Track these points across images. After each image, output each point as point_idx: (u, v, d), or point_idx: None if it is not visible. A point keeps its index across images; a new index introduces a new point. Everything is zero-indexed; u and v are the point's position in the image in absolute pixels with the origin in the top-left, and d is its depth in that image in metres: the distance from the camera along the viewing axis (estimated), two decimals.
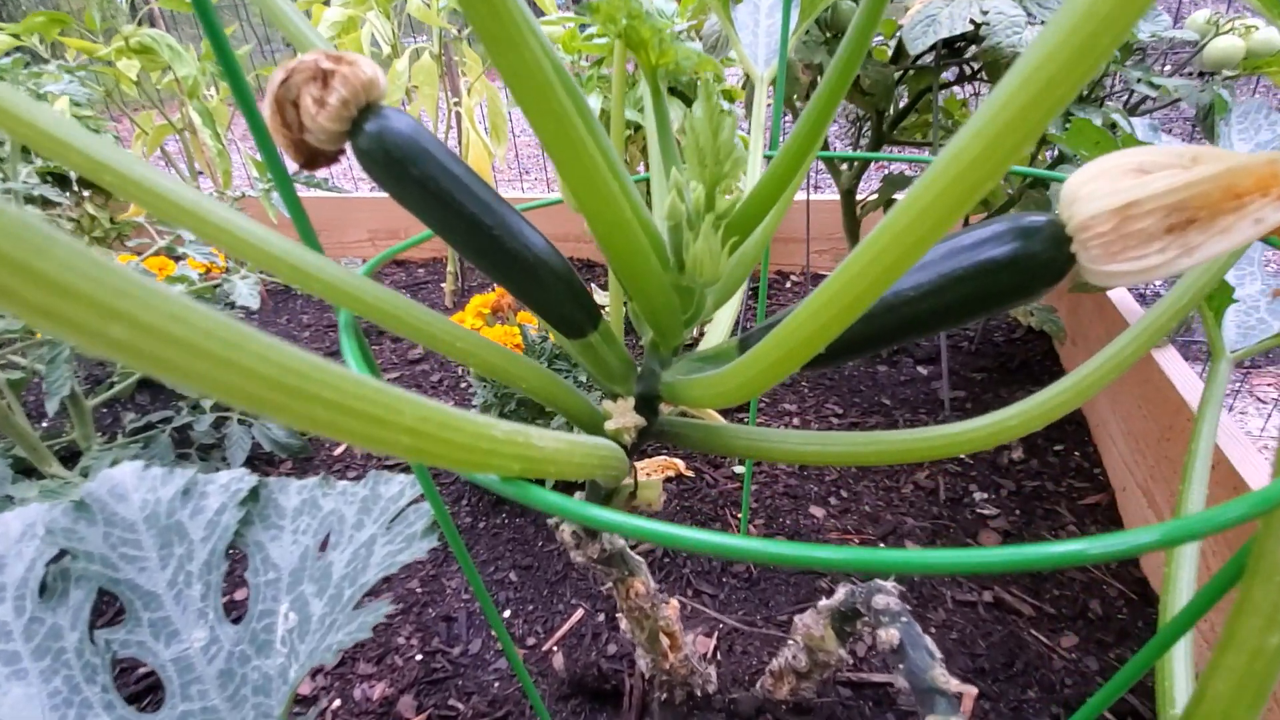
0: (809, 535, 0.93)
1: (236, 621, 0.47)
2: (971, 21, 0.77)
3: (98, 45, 1.66)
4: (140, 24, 1.66)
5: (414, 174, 0.32)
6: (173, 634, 0.47)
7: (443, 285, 1.88)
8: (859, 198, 1.28)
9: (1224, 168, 0.26)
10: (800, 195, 1.73)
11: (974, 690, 0.69)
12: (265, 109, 0.33)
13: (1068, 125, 0.71)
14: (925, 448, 0.36)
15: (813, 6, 0.64)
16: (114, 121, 2.29)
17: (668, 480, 1.05)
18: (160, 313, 0.11)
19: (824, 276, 0.26)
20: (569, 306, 0.37)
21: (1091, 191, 0.27)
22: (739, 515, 0.96)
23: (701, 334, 0.81)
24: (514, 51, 0.23)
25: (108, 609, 0.90)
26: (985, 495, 0.99)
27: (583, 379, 1.00)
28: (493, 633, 0.82)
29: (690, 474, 1.07)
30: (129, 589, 0.47)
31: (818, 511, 0.97)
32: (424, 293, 1.93)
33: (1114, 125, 0.79)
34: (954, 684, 0.46)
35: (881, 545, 0.91)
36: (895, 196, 1.23)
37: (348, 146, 0.33)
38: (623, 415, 0.39)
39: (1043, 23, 0.82)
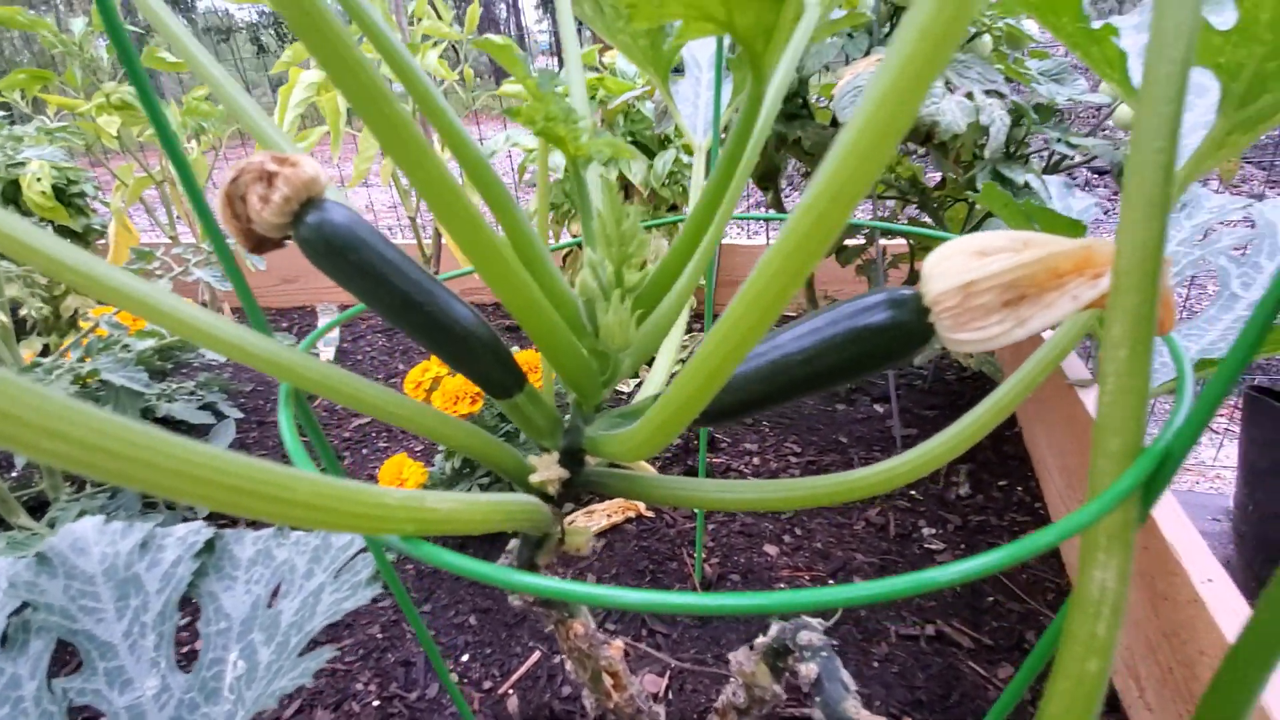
0: (761, 573, 0.96)
1: (188, 670, 0.50)
2: None
3: (79, 101, 1.71)
4: (121, 81, 1.72)
5: (351, 260, 0.37)
6: (126, 682, 0.49)
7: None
8: None
9: (1047, 253, 0.31)
10: (757, 240, 1.80)
11: None
12: (216, 202, 0.37)
13: (977, 190, 0.77)
14: (823, 493, 0.39)
15: (744, 82, 0.70)
16: (92, 171, 2.33)
17: (629, 521, 1.08)
18: (42, 417, 0.15)
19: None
20: (495, 371, 0.41)
21: (944, 270, 0.32)
22: (695, 555, 0.98)
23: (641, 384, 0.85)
24: (422, 170, 0.28)
25: (70, 659, 0.90)
26: (933, 530, 1.03)
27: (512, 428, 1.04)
28: (451, 675, 0.83)
29: (650, 514, 1.10)
30: (86, 639, 0.49)
31: (771, 549, 1.00)
32: (399, 336, 1.96)
33: (1026, 184, 0.86)
34: (865, 715, 0.49)
35: (830, 582, 0.94)
36: (845, 243, 1.30)
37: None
38: (547, 469, 0.43)
39: (968, 95, 0.89)
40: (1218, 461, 1.84)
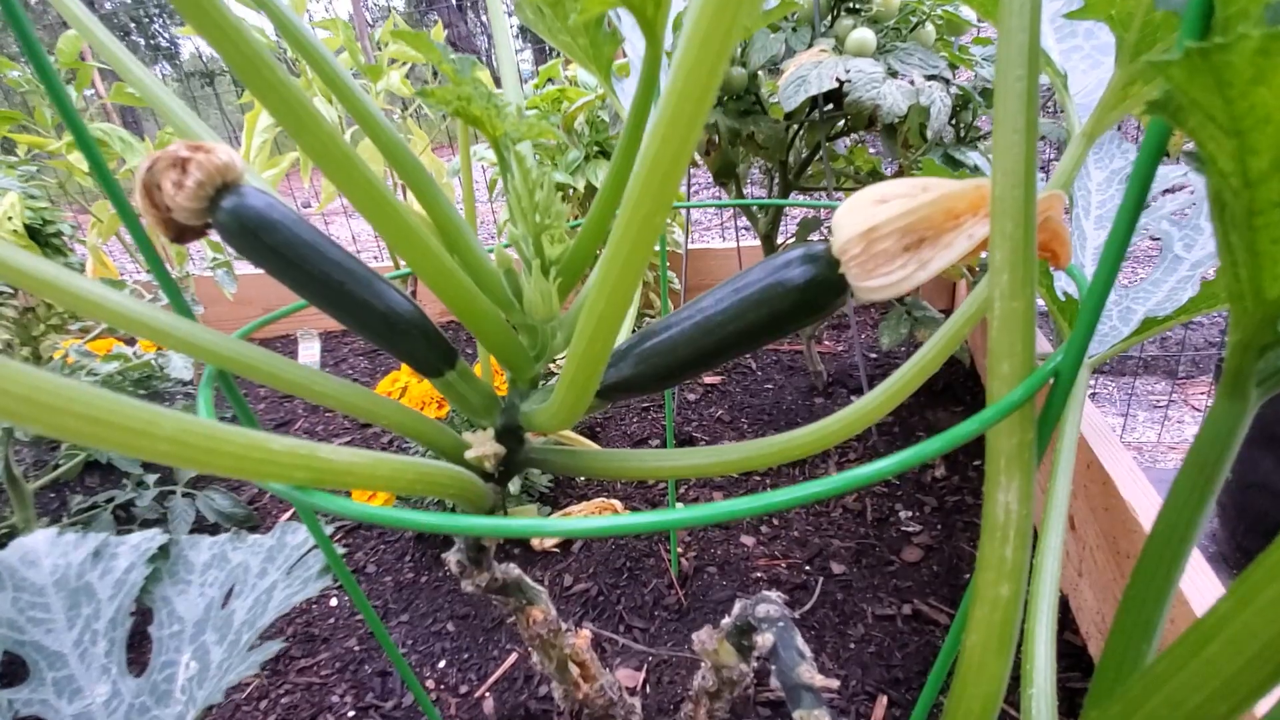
0: (738, 563, 0.95)
1: (139, 674, 0.49)
2: (837, 80, 0.86)
3: (49, 140, 1.72)
4: (94, 119, 1.73)
5: (267, 242, 0.37)
6: (76, 691, 0.48)
7: None
8: (779, 241, 1.36)
9: (941, 194, 0.32)
10: (731, 244, 1.82)
11: (884, 699, 0.71)
12: (136, 192, 0.38)
13: (919, 167, 0.79)
14: (763, 455, 0.40)
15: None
16: (72, 213, 2.34)
17: None
18: None
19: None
20: (422, 350, 0.42)
21: (848, 221, 0.32)
22: (670, 550, 0.98)
23: None
24: (311, 137, 0.29)
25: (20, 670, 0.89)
26: (910, 513, 1.03)
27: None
28: (427, 683, 0.82)
29: (627, 513, 1.09)
30: (34, 650, 0.49)
31: (748, 540, 1.00)
32: (381, 357, 1.96)
33: (975, 167, 0.88)
34: (819, 679, 0.49)
35: (808, 568, 0.94)
36: (810, 237, 1.31)
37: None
38: (481, 445, 0.43)
39: (910, 81, 0.91)
40: None
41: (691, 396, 1.46)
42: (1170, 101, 0.22)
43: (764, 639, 0.52)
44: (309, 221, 0.39)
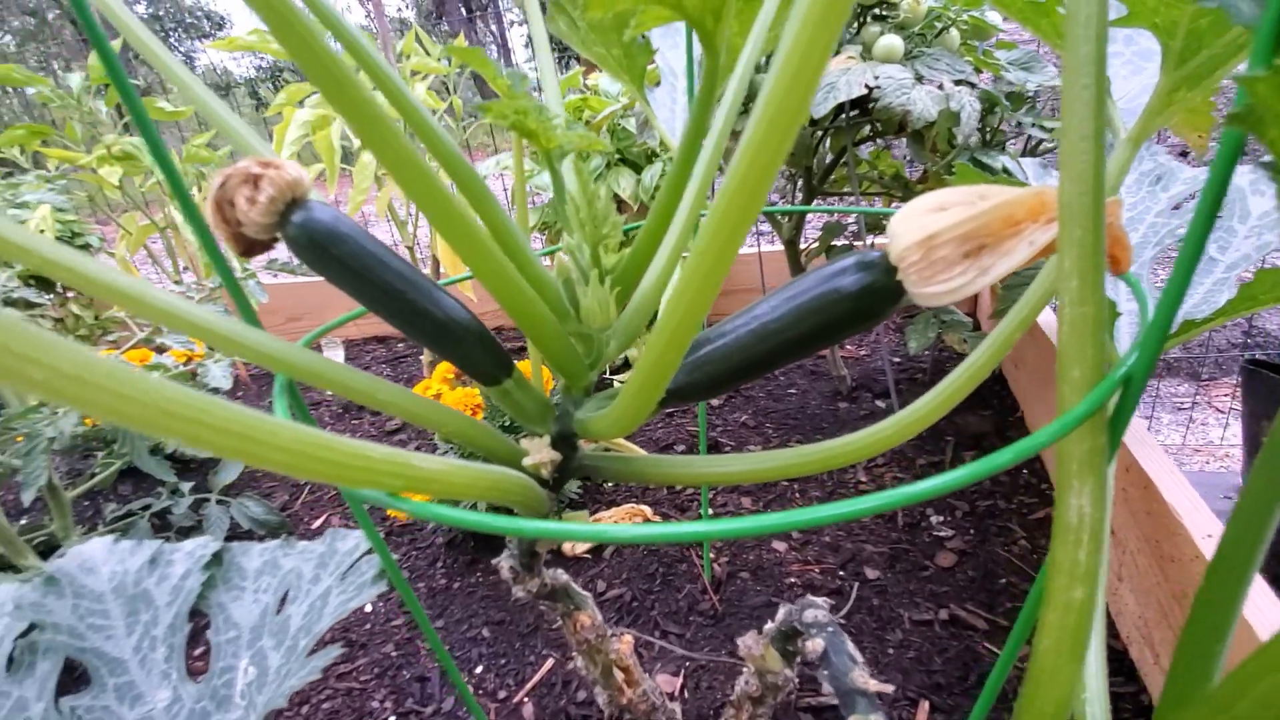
0: (771, 569, 0.95)
1: (199, 679, 0.50)
2: (866, 86, 0.86)
3: (79, 154, 1.76)
4: (122, 133, 1.77)
5: (335, 254, 0.38)
6: (137, 697, 0.49)
7: (420, 357, 1.94)
8: (802, 246, 1.36)
9: (1001, 201, 0.32)
10: (752, 249, 1.83)
11: (926, 704, 0.71)
12: (208, 209, 0.39)
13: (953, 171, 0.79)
14: (816, 460, 0.40)
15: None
16: (99, 225, 2.38)
17: None
18: (73, 362, 0.16)
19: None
20: (481, 358, 0.42)
21: (905, 228, 0.33)
22: (703, 556, 0.98)
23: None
24: (389, 149, 0.29)
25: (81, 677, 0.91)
26: (941, 518, 1.03)
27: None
28: (468, 688, 0.83)
29: (658, 519, 1.10)
30: (95, 656, 0.50)
31: (779, 545, 1.00)
32: (404, 365, 1.98)
33: (1005, 169, 0.88)
34: (873, 684, 0.49)
35: (842, 573, 0.94)
36: (834, 243, 1.31)
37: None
38: (538, 452, 0.44)
39: (939, 86, 0.92)
40: (1225, 441, 1.83)
41: (715, 402, 1.46)
42: (1251, 114, 0.23)
43: (814, 644, 0.52)
44: (372, 234, 0.40)
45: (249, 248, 0.40)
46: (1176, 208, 0.87)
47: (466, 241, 0.33)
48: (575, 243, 0.42)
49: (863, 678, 0.49)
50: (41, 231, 1.62)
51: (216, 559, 0.56)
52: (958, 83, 0.88)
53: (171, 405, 0.18)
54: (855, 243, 1.28)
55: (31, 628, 0.51)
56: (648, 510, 1.10)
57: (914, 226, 0.32)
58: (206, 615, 0.54)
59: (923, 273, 0.33)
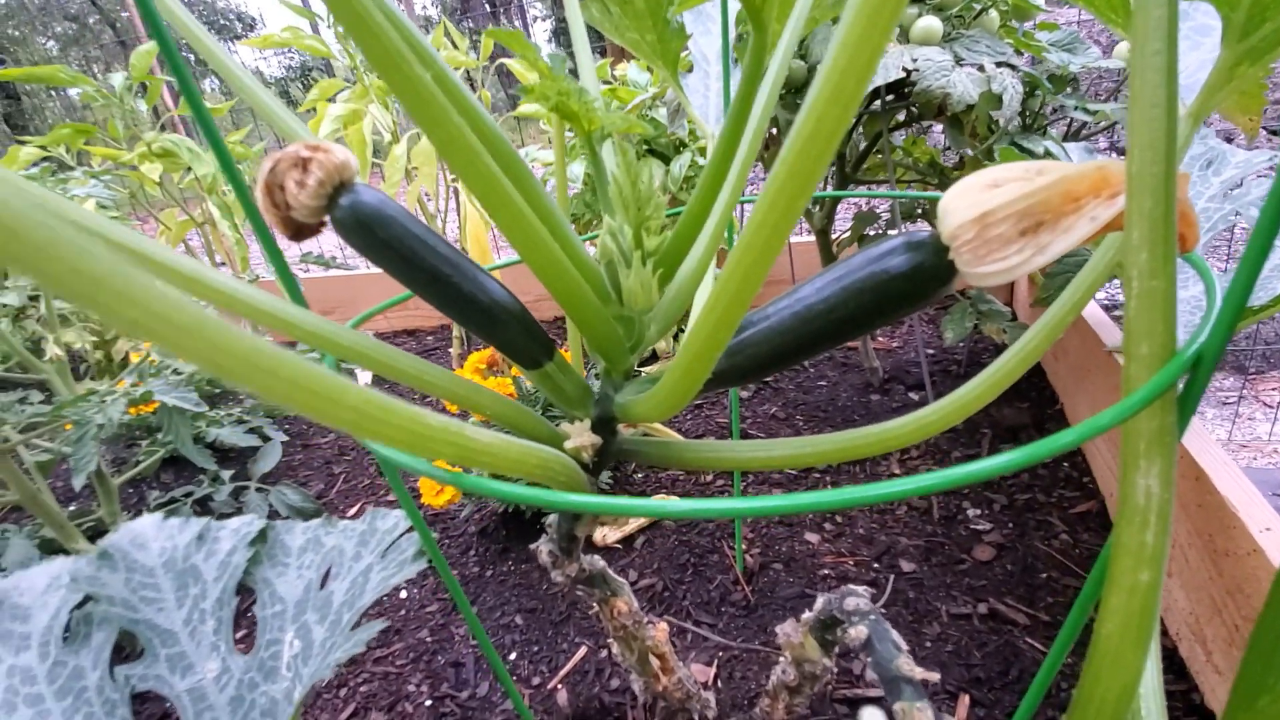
0: (804, 560, 0.95)
1: (246, 651, 0.51)
2: (904, 69, 0.84)
3: (121, 151, 1.80)
4: (163, 129, 1.81)
5: (382, 236, 0.38)
6: (188, 667, 0.51)
7: (449, 350, 1.96)
8: (833, 235, 1.34)
9: (1060, 176, 0.31)
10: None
11: (966, 698, 0.70)
12: (257, 193, 0.39)
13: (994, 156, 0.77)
14: (860, 445, 0.39)
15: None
16: (139, 221, 2.44)
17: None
18: (165, 304, 0.16)
19: None
20: (523, 340, 0.42)
21: (957, 206, 0.32)
22: (734, 547, 0.98)
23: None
24: (441, 129, 0.29)
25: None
26: (978, 511, 1.01)
27: (557, 413, 1.05)
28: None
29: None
30: (147, 628, 0.51)
31: (812, 537, 0.99)
32: (433, 357, 2.00)
33: (1047, 153, 0.85)
34: (919, 672, 0.48)
35: (876, 565, 0.93)
36: (866, 232, 1.29)
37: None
38: (579, 435, 0.44)
39: (979, 68, 0.89)
40: (1274, 436, 1.77)
41: (744, 394, 1.45)
42: None
43: (857, 631, 0.52)
44: (418, 218, 0.40)
45: (297, 231, 0.40)
46: (1234, 189, 0.84)
47: (514, 222, 0.33)
48: (617, 224, 0.42)
49: (909, 665, 0.48)
50: None
51: (261, 536, 0.57)
52: (998, 65, 0.86)
53: (253, 355, 0.18)
54: (889, 231, 1.26)
55: (86, 600, 0.53)
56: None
57: (968, 204, 0.31)
58: (253, 590, 0.55)
59: (977, 251, 0.32)
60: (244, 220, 2.10)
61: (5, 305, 0.96)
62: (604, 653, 0.85)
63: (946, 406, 0.37)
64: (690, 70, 0.90)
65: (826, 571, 0.93)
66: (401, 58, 0.27)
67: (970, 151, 0.97)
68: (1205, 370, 0.30)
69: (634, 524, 1.07)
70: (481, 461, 0.28)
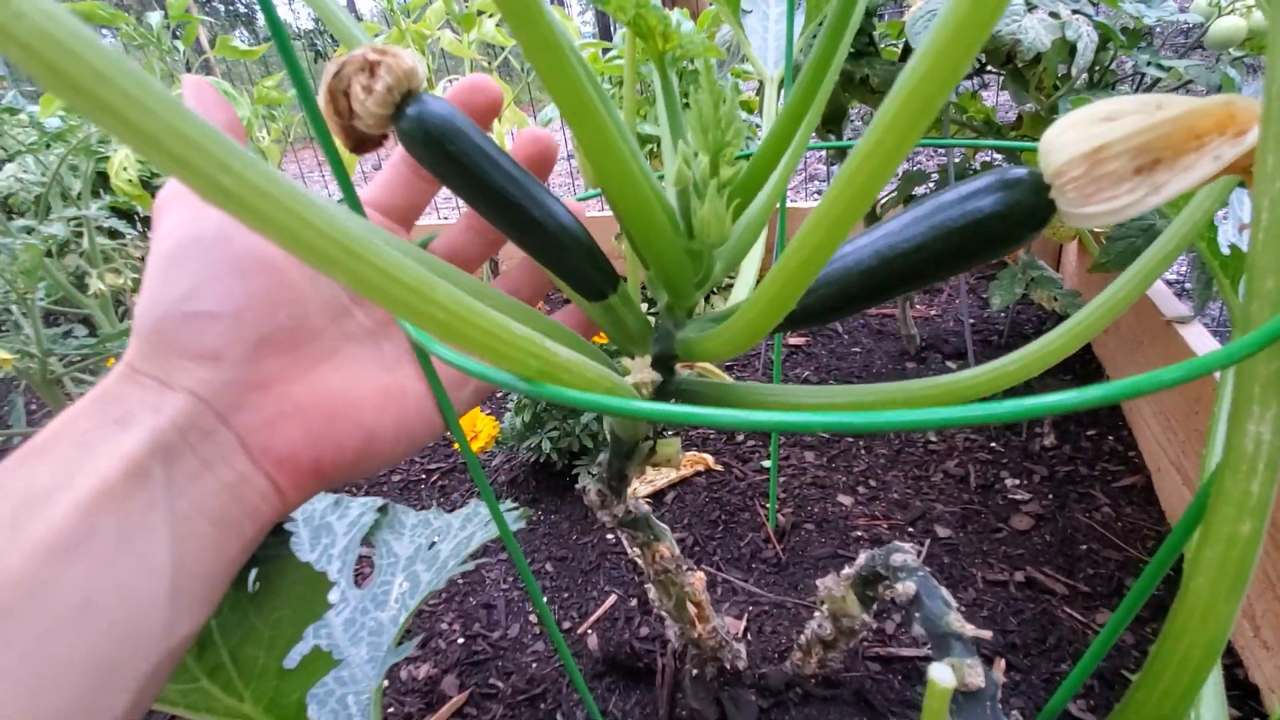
0: (837, 521, 0.94)
1: (362, 587, 0.58)
2: None
3: None
4: (199, 72, 1.80)
5: (449, 150, 0.37)
6: None
7: None
8: (879, 197, 1.30)
9: (1184, 110, 0.29)
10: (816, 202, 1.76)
11: (1002, 662, 0.69)
12: (320, 99, 0.38)
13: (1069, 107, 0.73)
14: (930, 394, 0.37)
15: (817, 10, 0.68)
16: None
17: (698, 475, 1.08)
18: (261, 177, 0.15)
19: None
20: (588, 270, 0.41)
21: (1065, 141, 0.30)
22: (767, 505, 0.97)
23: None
24: (532, 27, 0.28)
25: None
26: (1017, 481, 0.99)
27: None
28: (530, 618, 0.85)
29: (720, 468, 1.09)
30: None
31: (845, 500, 0.98)
32: None
33: None
34: (969, 629, 0.47)
35: (910, 530, 0.92)
36: (914, 192, 1.25)
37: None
38: (640, 371, 0.43)
39: (1053, 14, 0.85)
40: None
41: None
42: None
43: (904, 587, 0.51)
44: (486, 134, 0.39)
45: (359, 143, 0.39)
46: None
47: (598, 134, 0.31)
48: (691, 150, 0.40)
49: (959, 621, 0.48)
50: (124, 169, 1.67)
51: (383, 512, 0.63)
52: (1073, 11, 0.81)
53: (346, 239, 0.18)
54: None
55: None
56: (710, 459, 1.09)
57: (1079, 137, 0.29)
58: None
59: (1084, 189, 0.30)
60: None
61: (52, 236, 0.97)
62: (633, 601, 0.85)
63: (1027, 356, 0.35)
64: (747, 12, 0.87)
65: (860, 534, 0.92)
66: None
67: (1033, 106, 0.93)
68: None
69: (663, 479, 1.07)
70: (561, 379, 0.27)
